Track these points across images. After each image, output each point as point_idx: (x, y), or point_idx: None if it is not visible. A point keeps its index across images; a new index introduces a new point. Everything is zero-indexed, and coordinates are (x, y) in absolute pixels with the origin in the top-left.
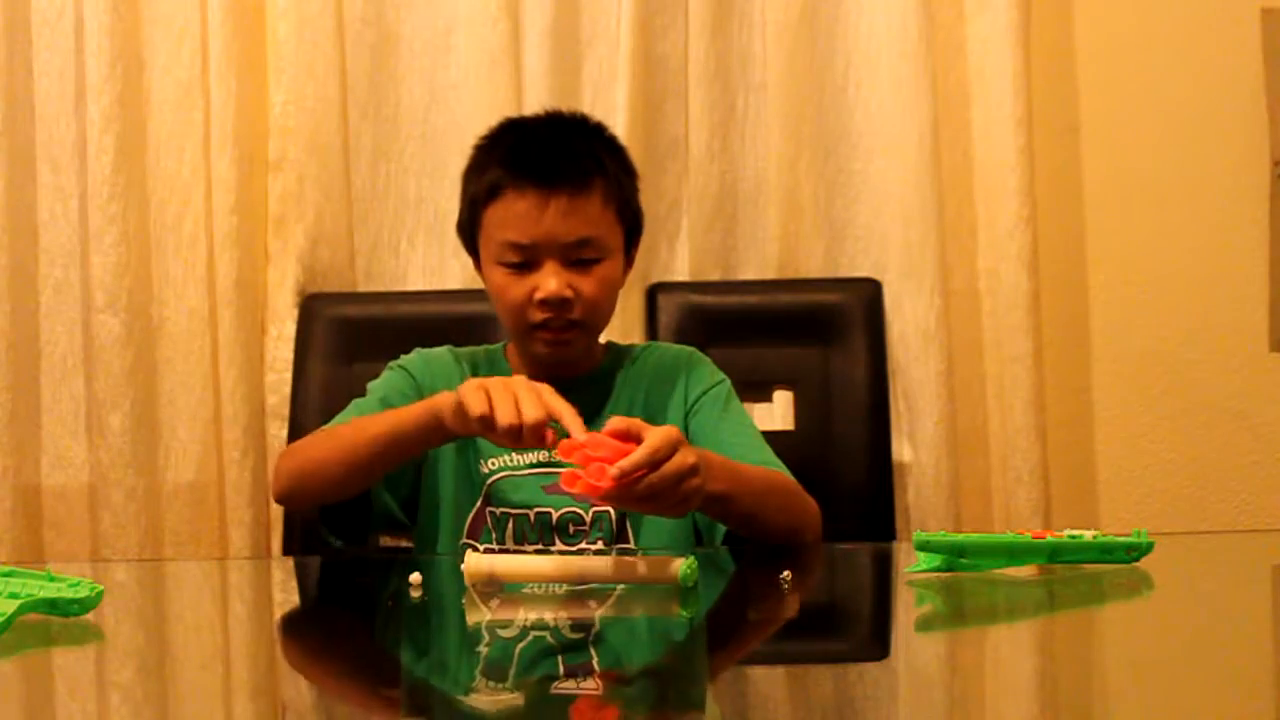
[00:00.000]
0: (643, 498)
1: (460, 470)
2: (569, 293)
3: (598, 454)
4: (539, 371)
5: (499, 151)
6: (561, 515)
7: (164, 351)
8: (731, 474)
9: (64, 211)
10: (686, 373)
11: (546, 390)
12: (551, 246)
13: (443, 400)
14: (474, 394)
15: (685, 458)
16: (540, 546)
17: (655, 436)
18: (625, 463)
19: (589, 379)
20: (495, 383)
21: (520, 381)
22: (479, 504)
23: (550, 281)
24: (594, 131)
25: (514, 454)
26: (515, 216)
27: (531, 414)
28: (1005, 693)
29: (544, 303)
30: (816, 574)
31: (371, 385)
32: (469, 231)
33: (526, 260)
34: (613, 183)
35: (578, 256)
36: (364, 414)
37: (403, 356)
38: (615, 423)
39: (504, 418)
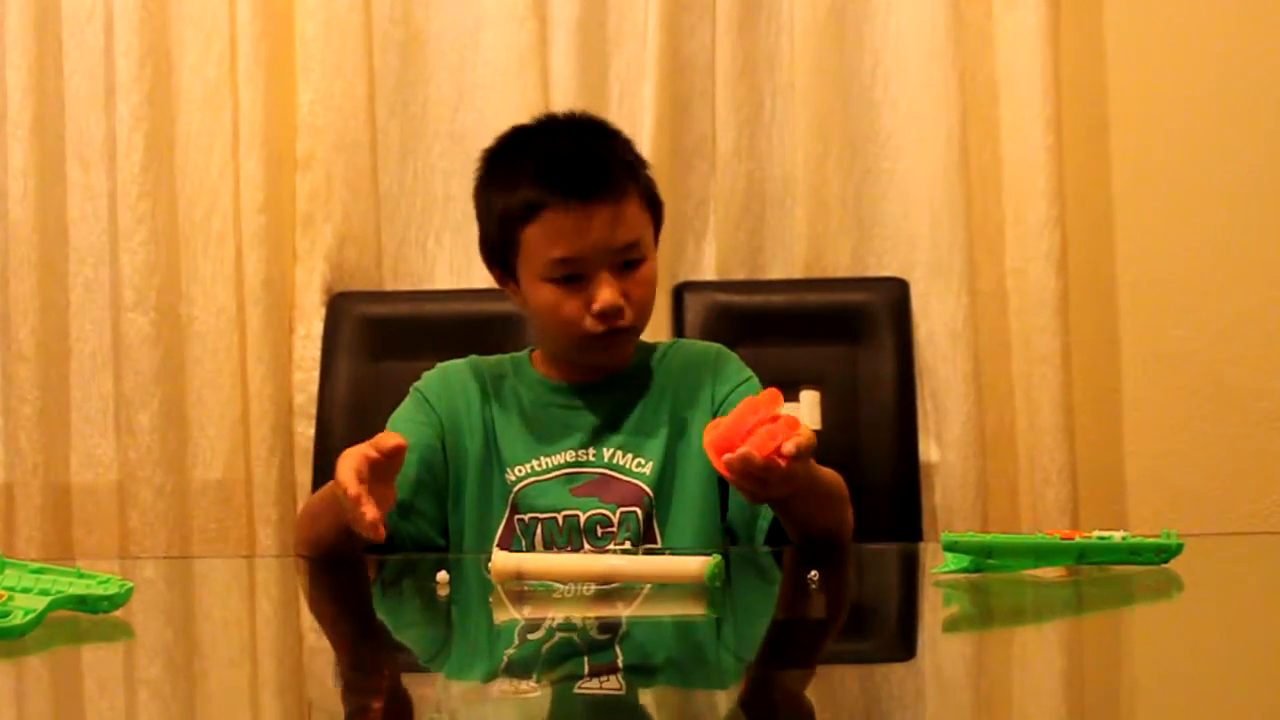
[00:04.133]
0: (761, 475)
1: (484, 482)
2: (623, 300)
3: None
4: (576, 374)
5: (527, 167)
6: (590, 518)
7: (192, 350)
8: (812, 474)
9: (93, 210)
10: (714, 370)
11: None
12: (600, 257)
13: None
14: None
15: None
16: (569, 550)
17: (805, 436)
18: (799, 444)
19: (621, 377)
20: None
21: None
22: (507, 514)
23: (605, 292)
24: (607, 130)
25: (541, 458)
26: (561, 233)
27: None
28: (1033, 694)
29: (602, 314)
30: (844, 574)
31: (391, 422)
32: (500, 250)
33: (577, 274)
34: (640, 181)
35: (624, 260)
36: None
37: (425, 375)
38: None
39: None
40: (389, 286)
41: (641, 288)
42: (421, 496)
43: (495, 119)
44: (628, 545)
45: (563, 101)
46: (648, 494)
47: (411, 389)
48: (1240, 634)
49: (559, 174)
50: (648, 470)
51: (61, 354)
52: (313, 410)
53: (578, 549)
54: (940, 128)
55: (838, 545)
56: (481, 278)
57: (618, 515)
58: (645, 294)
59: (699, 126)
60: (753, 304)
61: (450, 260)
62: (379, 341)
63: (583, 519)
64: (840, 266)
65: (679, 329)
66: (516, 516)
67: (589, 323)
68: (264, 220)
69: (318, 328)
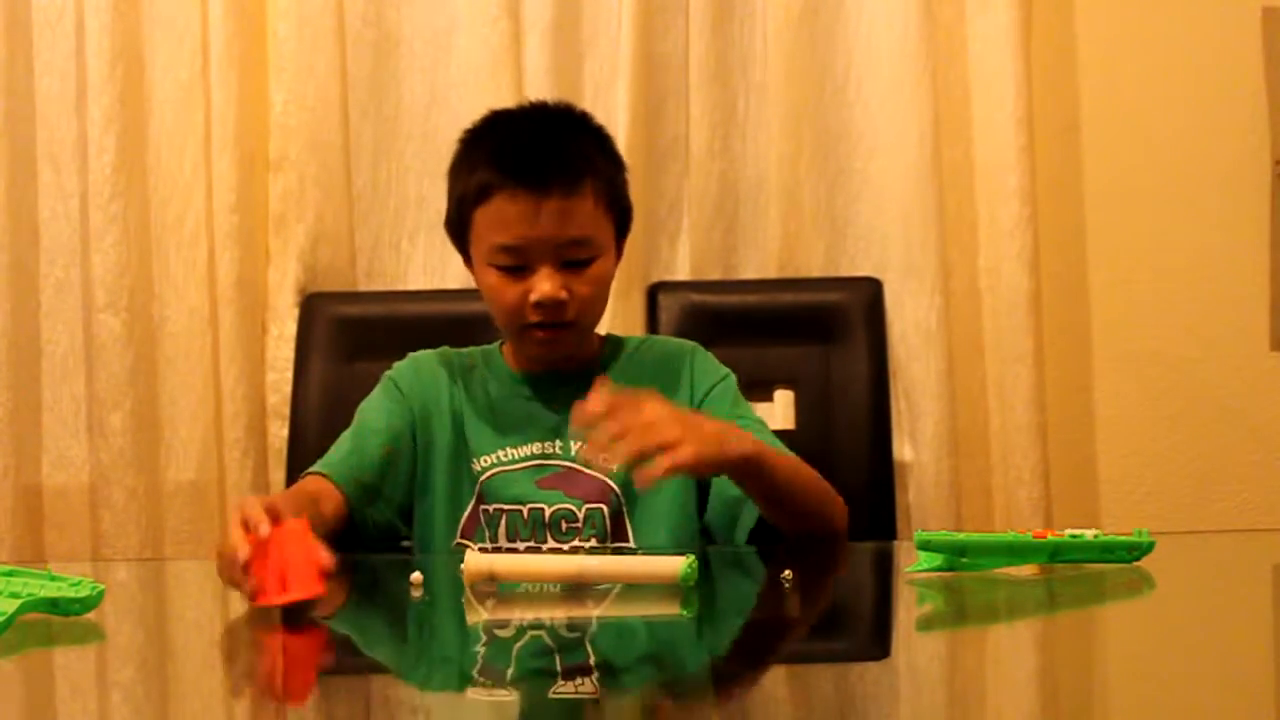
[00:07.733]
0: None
1: (453, 471)
2: (564, 295)
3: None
4: (535, 367)
5: (486, 150)
6: (554, 512)
7: (165, 351)
8: (761, 444)
9: (65, 211)
10: (690, 367)
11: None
12: (545, 249)
13: None
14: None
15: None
16: (531, 544)
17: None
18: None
19: (585, 372)
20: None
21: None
22: (473, 503)
23: (545, 284)
24: (581, 124)
25: (507, 448)
26: (507, 220)
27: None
28: (1006, 692)
29: (539, 305)
30: (818, 573)
31: (360, 409)
32: (458, 229)
33: (520, 263)
34: (602, 179)
35: (571, 257)
36: (353, 447)
37: (397, 364)
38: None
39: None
40: (362, 287)
41: (588, 286)
42: (389, 482)
43: (468, 119)
44: (593, 542)
45: None
46: (615, 491)
47: (383, 377)
48: (1211, 631)
49: (513, 160)
50: (615, 466)
51: (33, 355)
52: (286, 411)
53: (541, 543)
54: (913, 128)
55: (827, 537)
56: (455, 278)
57: (583, 511)
58: (591, 293)
59: (672, 127)
60: (726, 304)
61: (424, 261)
62: (352, 342)
63: (547, 513)
64: (813, 266)
65: (653, 329)
66: (481, 507)
67: (528, 313)
68: (237, 220)
69: (291, 328)
